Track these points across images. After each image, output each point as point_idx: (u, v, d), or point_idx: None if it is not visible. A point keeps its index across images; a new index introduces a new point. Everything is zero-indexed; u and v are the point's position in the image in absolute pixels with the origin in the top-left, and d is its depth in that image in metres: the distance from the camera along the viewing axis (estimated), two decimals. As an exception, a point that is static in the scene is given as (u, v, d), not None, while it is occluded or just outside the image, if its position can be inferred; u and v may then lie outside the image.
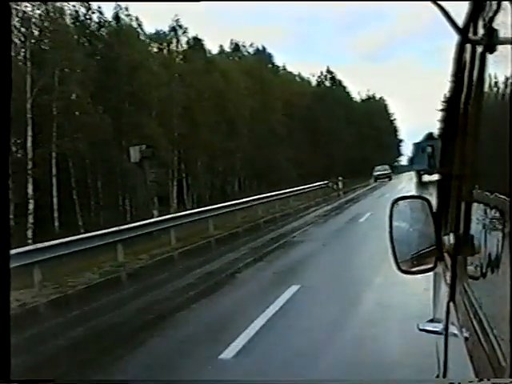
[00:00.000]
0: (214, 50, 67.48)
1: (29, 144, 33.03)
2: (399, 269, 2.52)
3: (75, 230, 38.06)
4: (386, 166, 71.42)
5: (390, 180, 63.01)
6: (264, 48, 79.31)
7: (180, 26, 54.90)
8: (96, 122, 34.62)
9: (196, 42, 58.65)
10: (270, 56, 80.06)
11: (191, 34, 57.14)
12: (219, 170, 58.38)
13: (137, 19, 45.59)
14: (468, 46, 1.98)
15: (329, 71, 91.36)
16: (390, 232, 2.53)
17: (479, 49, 1.66)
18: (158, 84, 45.49)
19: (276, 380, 6.98)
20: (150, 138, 39.44)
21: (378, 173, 68.54)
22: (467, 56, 1.96)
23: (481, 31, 1.66)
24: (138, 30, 47.32)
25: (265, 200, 30.72)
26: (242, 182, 64.38)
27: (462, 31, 1.98)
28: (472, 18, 1.82)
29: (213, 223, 23.74)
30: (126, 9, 44.10)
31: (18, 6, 32.90)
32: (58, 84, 33.84)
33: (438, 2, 1.89)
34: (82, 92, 34.78)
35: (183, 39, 55.73)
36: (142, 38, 48.66)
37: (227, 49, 74.72)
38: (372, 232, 17.76)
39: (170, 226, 21.20)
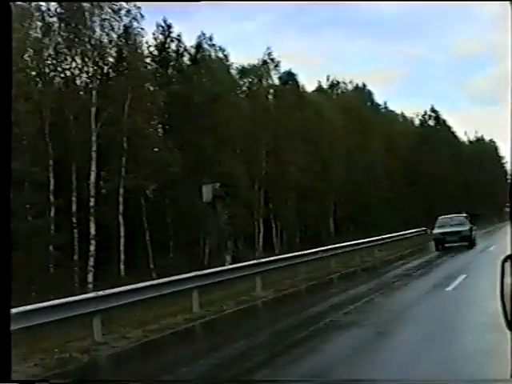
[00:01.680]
0: (310, 86, 64.45)
1: (92, 180, 30.42)
2: (510, 327, 2.60)
3: (145, 273, 35.36)
4: (462, 218, 35.36)
5: (472, 245, 32.82)
6: (364, 85, 75.64)
7: (272, 60, 51.96)
8: (165, 157, 31.68)
9: (289, 77, 55.58)
10: (370, 93, 76.24)
11: (284, 67, 54.03)
12: (310, 212, 54.60)
13: (221, 49, 42.92)
14: None
15: (433, 110, 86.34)
16: (501, 290, 2.61)
17: None
18: (242, 118, 42.54)
19: (276, 380, 7.92)
20: (229, 176, 36.35)
21: (443, 230, 33.57)
22: None
23: None
24: (225, 61, 44.67)
25: (349, 248, 26.64)
26: (336, 224, 60.27)
27: None
28: None
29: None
30: (210, 38, 41.66)
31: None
32: (127, 116, 31.22)
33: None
34: (152, 125, 32.07)
35: (275, 73, 52.45)
36: (229, 69, 45.99)
37: (324, 85, 71.68)
38: (465, 309, 13.19)
39: (254, 273, 18.74)
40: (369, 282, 19.66)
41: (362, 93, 75.13)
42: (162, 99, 33.19)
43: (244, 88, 46.50)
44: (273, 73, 52.39)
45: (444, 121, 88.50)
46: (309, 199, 53.11)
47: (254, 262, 20.37)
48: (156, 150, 31.82)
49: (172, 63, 36.80)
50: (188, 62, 38.41)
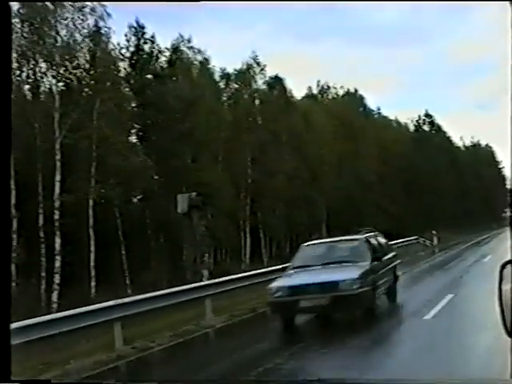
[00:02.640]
0: (299, 92, 62.57)
1: (56, 190, 28.31)
2: (509, 334, 2.55)
3: (119, 290, 33.26)
4: (358, 244, 15.09)
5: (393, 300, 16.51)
6: (356, 90, 73.63)
7: (258, 64, 49.96)
8: (137, 165, 29.51)
9: (276, 82, 53.52)
10: (362, 99, 74.19)
11: (272, 72, 52.00)
12: (300, 221, 52.47)
13: (200, 52, 40.81)
14: None
15: (427, 115, 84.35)
16: (500, 296, 2.58)
17: None
18: (225, 124, 40.55)
19: (277, 380, 8.14)
20: (208, 185, 34.26)
21: (299, 280, 13.70)
22: None
23: None
24: (205, 65, 42.67)
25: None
26: (326, 234, 58.09)
27: None
28: None
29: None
30: (189, 40, 39.60)
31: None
32: (94, 121, 29.10)
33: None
34: (122, 131, 29.99)
35: (260, 77, 50.36)
36: (211, 73, 43.93)
37: (315, 90, 69.79)
38: (444, 350, 9.46)
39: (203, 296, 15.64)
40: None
41: (354, 98, 73.14)
42: (133, 103, 30.97)
43: (227, 93, 44.15)
44: (258, 77, 50.44)
45: (439, 126, 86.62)
46: (298, 208, 51.11)
47: (203, 283, 17.84)
48: (125, 158, 29.37)
49: (146, 66, 34.54)
50: (164, 65, 36.20)
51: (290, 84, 56.48)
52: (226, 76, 47.26)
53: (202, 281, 25.71)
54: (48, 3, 28.83)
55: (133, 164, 28.86)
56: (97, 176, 29.54)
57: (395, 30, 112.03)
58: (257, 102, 48.70)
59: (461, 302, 14.78)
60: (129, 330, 12.75)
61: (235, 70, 48.54)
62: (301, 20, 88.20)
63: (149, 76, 34.67)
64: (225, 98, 48.03)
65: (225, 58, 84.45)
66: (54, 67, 29.08)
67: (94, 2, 29.17)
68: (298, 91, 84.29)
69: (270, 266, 22.81)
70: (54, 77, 30.22)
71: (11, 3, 3.01)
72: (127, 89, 34.36)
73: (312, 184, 51.24)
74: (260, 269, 22.53)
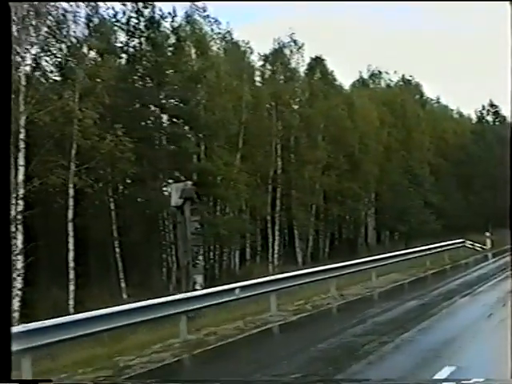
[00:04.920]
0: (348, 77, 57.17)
1: (20, 177, 23.82)
2: None
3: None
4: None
5: None
6: (412, 77, 67.54)
7: (295, 42, 44.83)
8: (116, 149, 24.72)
9: (316, 63, 48.31)
10: (417, 86, 68.14)
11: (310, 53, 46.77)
12: (338, 218, 47.30)
13: (216, 22, 35.70)
14: None
15: (492, 105, 77.40)
16: None
17: None
18: (246, 105, 35.65)
19: (277, 380, 7.73)
20: (213, 174, 29.45)
21: None
22: None
23: None
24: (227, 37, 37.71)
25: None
26: (367, 232, 52.71)
27: None
28: None
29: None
30: (204, 10, 34.59)
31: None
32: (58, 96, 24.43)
33: None
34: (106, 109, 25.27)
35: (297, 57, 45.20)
36: (234, 50, 38.92)
37: (365, 75, 64.10)
38: None
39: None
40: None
41: (409, 85, 67.18)
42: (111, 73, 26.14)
43: (248, 72, 38.95)
44: (296, 57, 45.32)
45: (504, 117, 79.52)
46: (335, 203, 46.09)
47: (178, 297, 13.66)
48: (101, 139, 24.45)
49: (144, 34, 29.71)
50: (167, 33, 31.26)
51: (337, 68, 51.37)
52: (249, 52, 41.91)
53: (194, 289, 21.31)
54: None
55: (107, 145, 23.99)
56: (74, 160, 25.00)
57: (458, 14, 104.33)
58: (290, 83, 43.44)
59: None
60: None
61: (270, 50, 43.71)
62: None
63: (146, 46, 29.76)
64: (258, 78, 43.33)
65: (259, 35, 77.96)
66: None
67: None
68: (345, 76, 78.81)
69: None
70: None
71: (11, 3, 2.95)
72: (123, 60, 29.75)
73: (352, 176, 45.94)
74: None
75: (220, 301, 13.22)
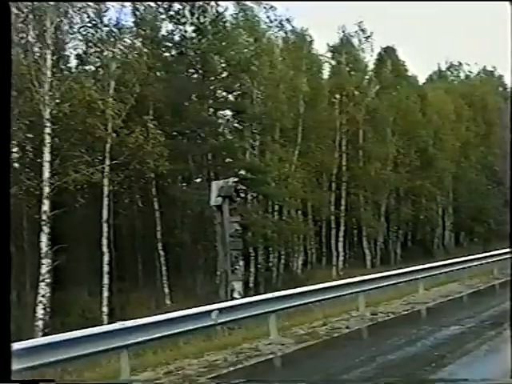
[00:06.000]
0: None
1: (46, 175, 22.03)
2: None
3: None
4: None
5: None
6: (494, 68, 63.41)
7: (363, 31, 42.08)
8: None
9: (387, 53, 45.34)
10: (500, 78, 63.93)
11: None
12: (410, 218, 44.11)
13: (271, 8, 33.16)
14: None
15: None
16: None
17: None
18: (304, 97, 33.09)
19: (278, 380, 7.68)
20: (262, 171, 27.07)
21: None
22: None
23: None
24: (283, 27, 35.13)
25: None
26: (444, 234, 49.24)
27: None
28: None
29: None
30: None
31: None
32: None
33: None
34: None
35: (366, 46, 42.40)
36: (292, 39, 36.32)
37: (443, 67, 60.53)
38: None
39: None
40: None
41: (490, 77, 63.08)
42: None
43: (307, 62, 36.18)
44: (364, 46, 42.54)
45: None
46: (407, 202, 43.08)
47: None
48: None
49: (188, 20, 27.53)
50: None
51: (410, 60, 48.22)
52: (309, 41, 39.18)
53: (232, 298, 18.95)
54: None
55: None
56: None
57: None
58: (355, 73, 40.66)
59: None
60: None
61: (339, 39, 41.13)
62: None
63: (191, 32, 27.56)
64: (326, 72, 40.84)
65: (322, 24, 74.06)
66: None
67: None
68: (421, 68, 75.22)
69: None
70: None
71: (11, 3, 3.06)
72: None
73: (424, 173, 42.74)
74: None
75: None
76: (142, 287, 26.62)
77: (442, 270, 16.64)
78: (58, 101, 21.49)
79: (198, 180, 26.79)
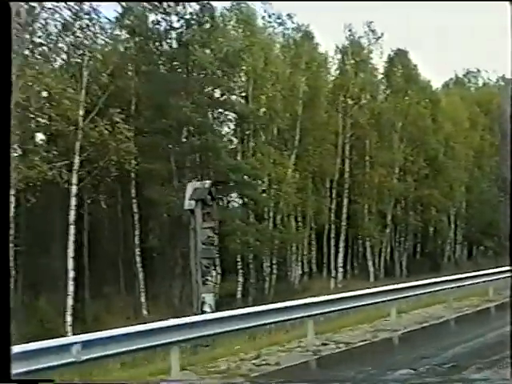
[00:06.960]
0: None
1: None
2: None
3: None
4: None
5: None
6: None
7: (373, 32, 39.93)
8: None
9: (398, 56, 43.14)
10: (517, 85, 61.35)
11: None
12: (415, 229, 41.94)
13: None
14: None
15: None
16: None
17: None
18: (302, 98, 31.01)
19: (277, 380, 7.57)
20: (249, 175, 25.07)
21: None
22: None
23: None
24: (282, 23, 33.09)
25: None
26: (455, 246, 46.94)
27: None
28: None
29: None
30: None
31: None
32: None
33: None
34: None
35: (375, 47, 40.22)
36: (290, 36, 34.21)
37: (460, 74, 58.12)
38: None
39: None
40: None
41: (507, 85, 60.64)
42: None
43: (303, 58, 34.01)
44: (374, 47, 40.33)
45: None
46: (414, 212, 40.94)
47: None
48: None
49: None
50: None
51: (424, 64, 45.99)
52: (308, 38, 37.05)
53: (202, 311, 17.05)
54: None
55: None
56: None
57: None
58: (361, 75, 38.48)
59: None
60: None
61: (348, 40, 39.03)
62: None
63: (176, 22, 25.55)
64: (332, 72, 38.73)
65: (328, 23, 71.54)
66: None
67: None
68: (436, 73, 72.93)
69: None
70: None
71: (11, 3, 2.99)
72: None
73: (433, 183, 40.54)
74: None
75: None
76: (115, 295, 24.75)
77: (425, 290, 14.34)
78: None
79: (178, 182, 24.85)
